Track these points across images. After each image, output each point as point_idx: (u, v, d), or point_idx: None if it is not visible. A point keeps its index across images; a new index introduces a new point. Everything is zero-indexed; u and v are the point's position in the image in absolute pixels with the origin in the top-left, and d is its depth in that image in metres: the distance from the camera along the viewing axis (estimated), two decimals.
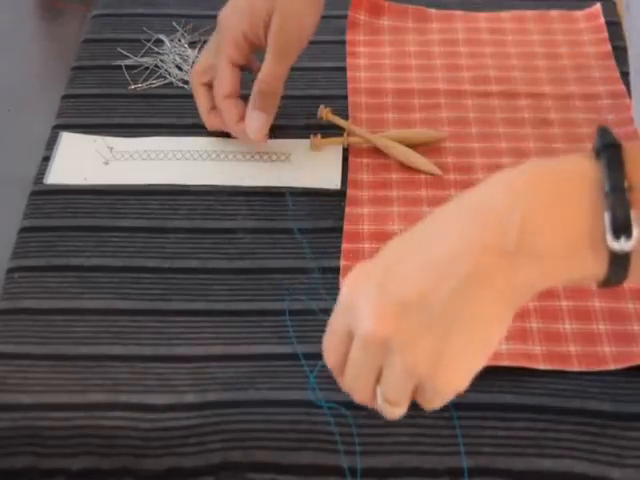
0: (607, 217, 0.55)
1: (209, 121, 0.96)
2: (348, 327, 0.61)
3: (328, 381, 0.76)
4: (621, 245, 0.55)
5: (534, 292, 0.59)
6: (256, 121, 0.92)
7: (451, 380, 0.60)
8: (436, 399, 0.61)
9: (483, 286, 0.57)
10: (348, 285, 0.62)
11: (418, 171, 0.93)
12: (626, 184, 0.55)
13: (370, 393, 0.62)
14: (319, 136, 0.96)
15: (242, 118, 0.93)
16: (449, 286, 0.57)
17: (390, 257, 0.60)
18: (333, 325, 0.62)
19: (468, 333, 0.58)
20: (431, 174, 0.93)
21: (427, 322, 0.57)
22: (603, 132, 0.58)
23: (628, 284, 0.59)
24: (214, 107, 0.95)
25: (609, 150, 0.56)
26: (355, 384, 0.62)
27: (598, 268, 0.57)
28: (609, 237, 0.55)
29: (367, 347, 0.59)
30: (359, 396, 0.63)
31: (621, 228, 0.55)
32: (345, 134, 0.96)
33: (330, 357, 0.63)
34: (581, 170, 0.57)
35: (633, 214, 0.55)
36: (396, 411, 0.62)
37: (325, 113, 0.97)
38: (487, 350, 0.59)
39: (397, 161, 0.94)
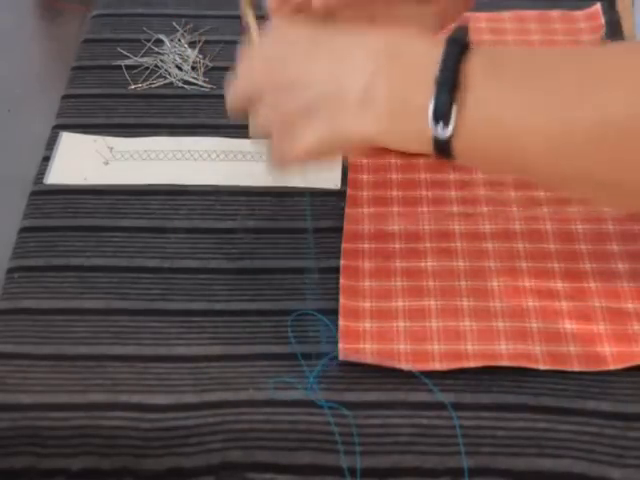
0: (430, 103, 0.62)
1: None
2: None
3: (328, 381, 0.76)
4: (438, 132, 0.62)
5: (365, 141, 0.67)
6: None
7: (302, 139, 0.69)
8: (288, 151, 0.70)
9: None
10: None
11: (418, 156, 0.93)
12: (458, 80, 0.61)
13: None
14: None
15: None
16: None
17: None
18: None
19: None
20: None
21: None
22: (460, 30, 0.64)
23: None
24: None
25: (454, 46, 0.62)
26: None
27: (425, 147, 0.64)
28: (429, 121, 0.62)
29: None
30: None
31: (440, 115, 0.62)
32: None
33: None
34: (430, 56, 0.63)
35: (455, 107, 0.61)
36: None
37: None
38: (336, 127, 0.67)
39: (397, 157, 0.94)
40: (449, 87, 0.61)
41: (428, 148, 0.64)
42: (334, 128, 0.67)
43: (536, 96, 0.61)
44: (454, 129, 0.62)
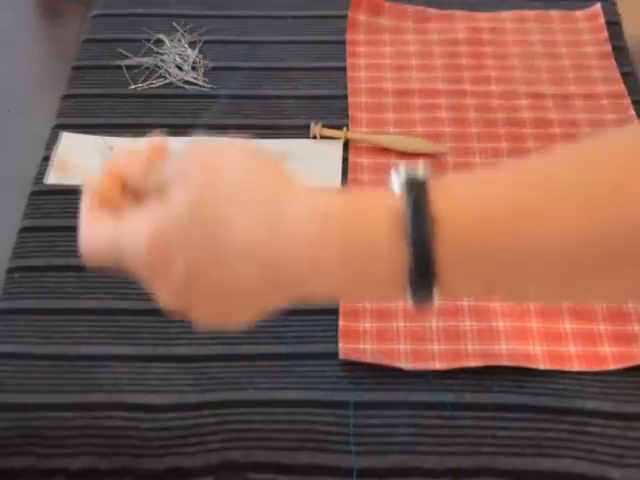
0: (409, 295, 0.53)
1: None
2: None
3: (329, 381, 0.76)
4: (419, 304, 0.54)
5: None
6: None
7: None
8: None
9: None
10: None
11: (418, 156, 0.94)
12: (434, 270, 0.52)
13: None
14: (320, 125, 0.96)
15: None
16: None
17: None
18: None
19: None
20: (434, 154, 0.93)
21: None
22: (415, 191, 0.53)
23: None
24: None
25: (419, 230, 0.52)
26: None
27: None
28: (409, 300, 0.54)
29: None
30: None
31: (422, 300, 0.54)
32: (344, 129, 0.96)
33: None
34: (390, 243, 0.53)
35: (435, 289, 0.53)
36: None
37: (317, 130, 0.97)
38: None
39: (397, 157, 0.94)
40: (427, 282, 0.53)
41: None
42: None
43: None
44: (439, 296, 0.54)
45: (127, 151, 0.59)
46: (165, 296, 0.55)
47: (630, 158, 0.53)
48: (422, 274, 0.52)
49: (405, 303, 0.54)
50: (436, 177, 0.54)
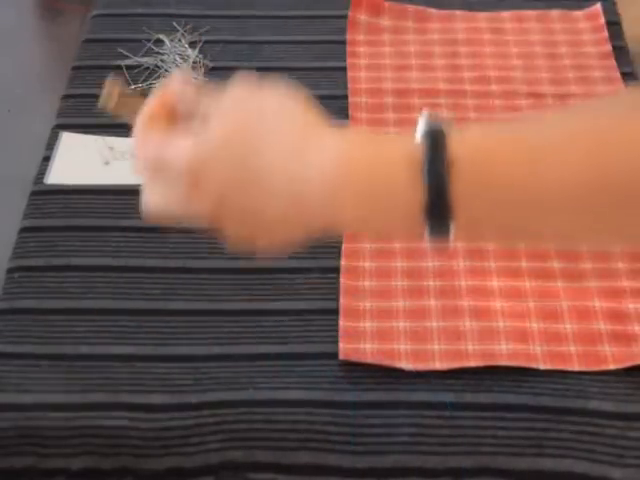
0: (427, 232, 0.56)
1: None
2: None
3: (329, 381, 0.76)
4: (436, 244, 0.57)
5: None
6: None
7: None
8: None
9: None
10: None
11: None
12: (450, 205, 0.55)
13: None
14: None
15: None
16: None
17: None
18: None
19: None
20: None
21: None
22: (433, 129, 0.57)
23: None
24: None
25: (436, 164, 0.56)
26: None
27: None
28: (427, 241, 0.57)
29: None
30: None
31: (437, 238, 0.57)
32: None
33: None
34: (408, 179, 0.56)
35: (451, 227, 0.56)
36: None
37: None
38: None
39: None
40: (443, 217, 0.56)
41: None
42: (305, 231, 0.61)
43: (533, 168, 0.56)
44: (455, 234, 0.57)
45: (179, 79, 0.64)
46: (201, 212, 0.60)
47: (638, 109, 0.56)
48: (437, 208, 0.55)
49: (424, 241, 0.57)
50: (456, 126, 0.57)
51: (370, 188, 0.57)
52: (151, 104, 0.65)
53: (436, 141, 0.56)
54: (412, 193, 0.56)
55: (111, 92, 0.69)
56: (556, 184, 0.55)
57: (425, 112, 0.58)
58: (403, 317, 0.80)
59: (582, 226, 0.58)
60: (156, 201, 0.62)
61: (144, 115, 0.66)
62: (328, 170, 0.57)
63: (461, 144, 0.56)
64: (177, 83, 0.64)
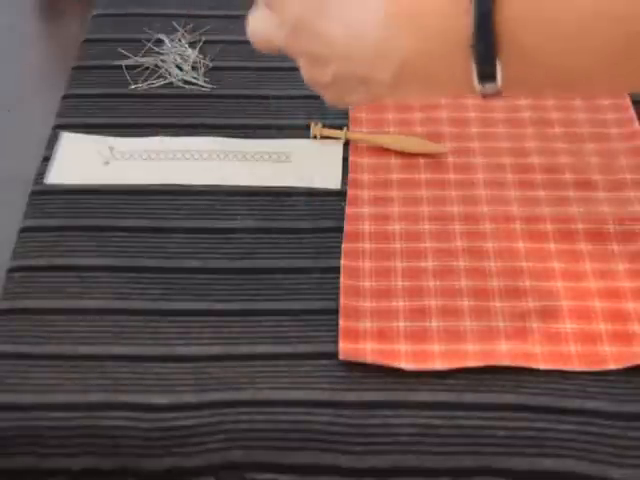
0: (473, 67, 0.61)
1: None
2: None
3: (329, 381, 0.76)
4: (486, 88, 0.62)
5: None
6: None
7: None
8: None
9: None
10: None
11: (418, 156, 0.94)
12: (495, 32, 0.60)
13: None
14: (320, 125, 0.97)
15: None
16: None
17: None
18: None
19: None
20: (433, 154, 0.93)
21: None
22: None
23: None
24: None
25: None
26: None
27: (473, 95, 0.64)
28: (476, 84, 0.62)
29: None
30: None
31: (486, 76, 0.62)
32: (344, 129, 0.96)
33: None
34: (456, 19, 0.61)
35: (499, 64, 0.61)
36: None
37: (317, 130, 0.97)
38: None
39: (397, 157, 0.94)
40: (489, 52, 0.61)
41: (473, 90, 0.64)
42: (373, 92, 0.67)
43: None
44: (502, 80, 0.62)
45: None
46: (281, 38, 0.68)
47: None
48: (483, 34, 0.59)
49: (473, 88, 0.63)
50: None
51: (420, 20, 0.62)
52: None
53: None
54: (460, 21, 0.60)
55: None
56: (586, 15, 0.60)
57: None
58: (403, 317, 0.80)
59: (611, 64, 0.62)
60: (255, 26, 0.70)
61: None
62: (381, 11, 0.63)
63: None
64: None
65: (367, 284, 0.83)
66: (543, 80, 0.65)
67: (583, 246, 0.85)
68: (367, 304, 0.81)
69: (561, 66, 0.62)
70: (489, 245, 0.86)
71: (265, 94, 1.03)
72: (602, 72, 0.63)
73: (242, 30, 1.00)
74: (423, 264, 0.84)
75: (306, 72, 0.70)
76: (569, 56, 0.62)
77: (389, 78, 0.64)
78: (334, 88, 0.69)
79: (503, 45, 0.60)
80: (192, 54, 1.07)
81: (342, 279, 0.83)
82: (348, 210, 0.90)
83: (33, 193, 0.92)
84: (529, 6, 0.61)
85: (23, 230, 0.89)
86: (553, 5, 0.61)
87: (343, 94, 0.70)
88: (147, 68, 1.06)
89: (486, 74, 0.62)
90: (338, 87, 0.69)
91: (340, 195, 0.91)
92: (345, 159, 0.95)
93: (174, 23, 1.11)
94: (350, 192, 0.91)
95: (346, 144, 0.97)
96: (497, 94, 0.63)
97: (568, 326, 0.79)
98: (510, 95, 0.65)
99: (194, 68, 1.06)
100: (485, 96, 0.64)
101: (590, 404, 0.74)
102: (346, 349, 0.77)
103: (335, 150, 0.96)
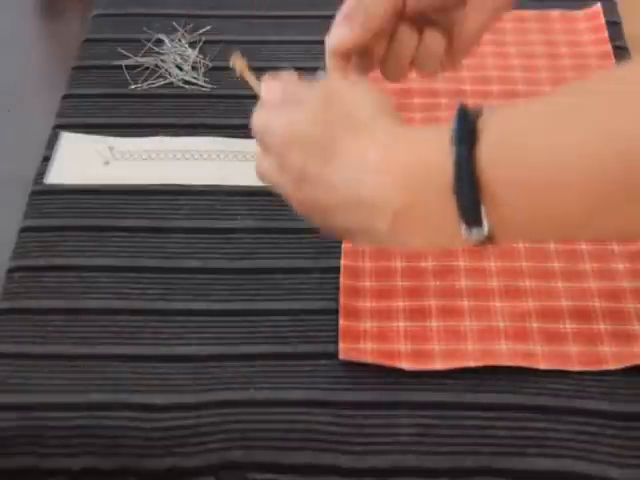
0: (458, 215, 0.60)
1: None
2: None
3: (328, 381, 0.76)
4: (473, 234, 0.60)
5: None
6: None
7: None
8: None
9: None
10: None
11: None
12: (476, 176, 0.58)
13: None
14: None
15: None
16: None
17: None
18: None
19: None
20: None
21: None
22: (461, 115, 0.61)
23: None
24: None
25: (462, 146, 0.59)
26: None
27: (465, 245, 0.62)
28: (463, 231, 0.60)
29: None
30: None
31: (472, 222, 0.60)
32: None
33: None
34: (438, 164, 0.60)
35: (483, 209, 0.59)
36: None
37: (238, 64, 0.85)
38: None
39: None
40: (472, 196, 0.59)
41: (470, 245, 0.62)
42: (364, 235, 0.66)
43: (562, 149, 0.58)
44: (489, 228, 0.60)
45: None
46: (283, 186, 0.70)
47: None
48: (465, 181, 0.58)
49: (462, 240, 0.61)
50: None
51: (407, 170, 0.62)
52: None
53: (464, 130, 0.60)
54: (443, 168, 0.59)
55: (235, 67, 0.79)
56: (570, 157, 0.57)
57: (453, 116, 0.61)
58: (403, 317, 0.80)
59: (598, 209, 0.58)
60: (262, 169, 0.72)
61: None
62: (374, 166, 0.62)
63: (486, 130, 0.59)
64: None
65: (367, 284, 0.83)
66: (534, 227, 0.62)
67: (583, 246, 0.85)
68: (367, 304, 0.81)
69: (551, 210, 0.59)
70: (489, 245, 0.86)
71: None
72: (593, 215, 0.59)
73: (242, 30, 1.00)
74: (423, 264, 0.84)
75: (318, 222, 0.69)
76: (557, 200, 0.58)
77: (386, 227, 0.62)
78: (342, 235, 0.71)
79: (486, 190, 0.58)
80: (192, 54, 1.07)
81: (342, 279, 0.83)
82: None
83: (33, 193, 0.92)
84: (510, 154, 0.59)
85: (23, 230, 0.89)
86: (534, 151, 0.58)
87: (349, 238, 0.73)
88: (147, 68, 1.06)
89: (471, 219, 0.59)
90: (345, 234, 0.69)
91: None
92: None
93: (174, 23, 1.11)
94: None
95: None
96: (487, 241, 0.61)
97: (568, 326, 0.79)
98: (501, 243, 0.62)
99: (194, 68, 1.06)
100: (475, 244, 0.61)
101: (590, 404, 0.74)
102: (346, 349, 0.77)
103: None
